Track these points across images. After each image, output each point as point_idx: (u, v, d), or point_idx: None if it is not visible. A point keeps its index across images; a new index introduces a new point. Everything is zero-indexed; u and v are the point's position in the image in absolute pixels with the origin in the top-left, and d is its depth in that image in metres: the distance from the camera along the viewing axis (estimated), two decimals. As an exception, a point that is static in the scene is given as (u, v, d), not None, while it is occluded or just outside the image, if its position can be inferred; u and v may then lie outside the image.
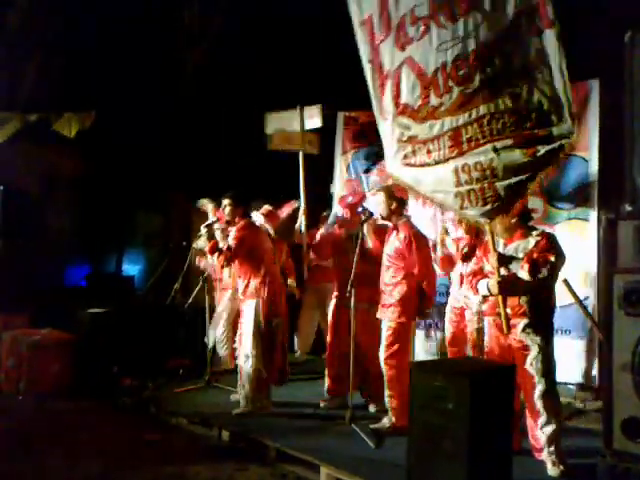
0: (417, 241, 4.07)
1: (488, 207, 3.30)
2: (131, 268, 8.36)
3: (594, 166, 4.65)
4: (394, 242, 4.15)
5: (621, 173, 3.01)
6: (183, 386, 5.28)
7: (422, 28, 3.45)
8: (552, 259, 3.22)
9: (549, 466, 3.29)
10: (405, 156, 3.66)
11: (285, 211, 5.86)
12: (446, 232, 4.65)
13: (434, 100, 3.45)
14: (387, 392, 4.07)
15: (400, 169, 3.72)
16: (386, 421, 4.07)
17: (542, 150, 3.15)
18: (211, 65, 8.05)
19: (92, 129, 6.14)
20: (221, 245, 4.69)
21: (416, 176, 3.63)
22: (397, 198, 4.20)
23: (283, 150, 5.99)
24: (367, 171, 6.09)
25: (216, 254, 4.58)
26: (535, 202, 4.70)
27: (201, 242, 5.21)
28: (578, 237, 4.67)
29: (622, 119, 3.06)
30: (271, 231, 5.64)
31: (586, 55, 5.11)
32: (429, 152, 3.52)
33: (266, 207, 5.72)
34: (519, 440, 3.46)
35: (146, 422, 4.65)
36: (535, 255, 3.26)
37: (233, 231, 4.59)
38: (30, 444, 4.07)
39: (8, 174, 6.64)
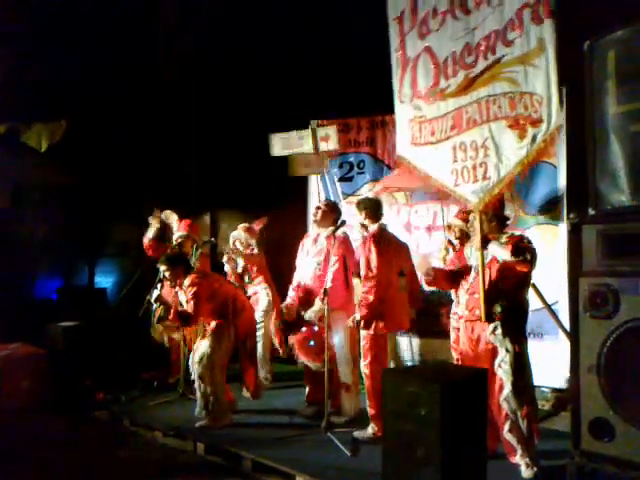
0: (375, 244, 4.09)
1: (477, 185, 3.63)
2: (103, 280, 8.23)
3: (562, 172, 4.75)
4: (364, 250, 4.17)
5: (586, 179, 3.08)
6: (157, 399, 5.21)
7: (440, 20, 3.93)
8: (532, 246, 3.39)
9: (523, 468, 3.33)
10: (413, 136, 4.07)
11: (257, 227, 5.91)
12: (447, 249, 4.62)
13: (443, 83, 3.89)
14: (367, 402, 4.10)
15: (407, 149, 4.13)
16: (370, 430, 4.06)
17: (531, 132, 3.43)
18: (184, 76, 8.01)
19: (63, 138, 6.04)
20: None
21: (419, 154, 4.02)
22: (372, 209, 4.27)
23: (302, 174, 5.98)
24: (341, 179, 6.14)
25: (182, 319, 4.43)
26: (506, 208, 4.80)
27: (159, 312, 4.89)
28: (548, 242, 4.75)
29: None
30: (253, 243, 5.66)
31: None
32: (433, 132, 3.92)
33: (243, 225, 5.77)
34: (495, 443, 3.49)
35: (120, 436, 4.57)
36: (514, 241, 3.39)
37: (186, 291, 4.43)
38: (-1, 462, 3.98)
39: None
